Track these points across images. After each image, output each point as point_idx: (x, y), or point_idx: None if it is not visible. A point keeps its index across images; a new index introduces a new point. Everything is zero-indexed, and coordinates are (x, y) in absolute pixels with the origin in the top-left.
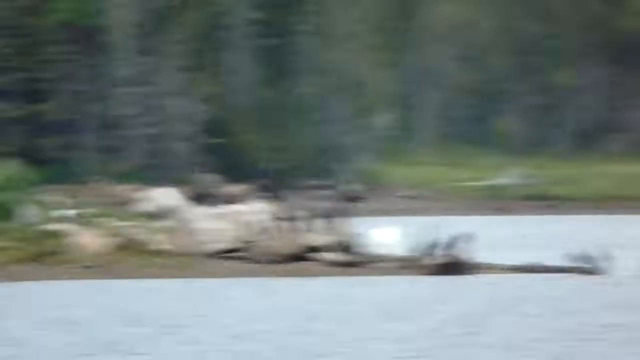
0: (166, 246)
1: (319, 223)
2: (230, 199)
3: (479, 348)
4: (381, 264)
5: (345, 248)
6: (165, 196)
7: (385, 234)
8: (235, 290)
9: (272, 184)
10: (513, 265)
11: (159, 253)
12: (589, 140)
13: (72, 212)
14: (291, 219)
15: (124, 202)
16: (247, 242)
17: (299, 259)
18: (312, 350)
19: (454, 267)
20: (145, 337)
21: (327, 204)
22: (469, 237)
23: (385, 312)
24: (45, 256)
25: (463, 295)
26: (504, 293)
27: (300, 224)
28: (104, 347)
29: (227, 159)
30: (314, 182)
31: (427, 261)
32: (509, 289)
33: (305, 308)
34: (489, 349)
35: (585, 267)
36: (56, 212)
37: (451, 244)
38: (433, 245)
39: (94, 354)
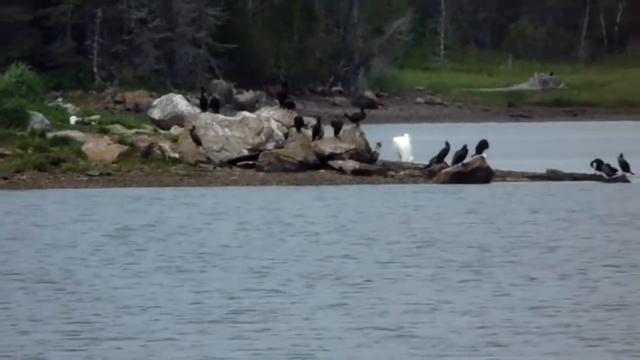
0: (176, 154)
1: (333, 130)
2: (242, 106)
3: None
4: (396, 173)
5: (359, 156)
6: (175, 103)
7: (401, 142)
8: (250, 197)
9: (285, 90)
10: (532, 173)
11: (168, 161)
12: (611, 45)
13: (80, 119)
14: (304, 126)
15: (134, 109)
16: (259, 150)
17: (312, 167)
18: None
19: (469, 175)
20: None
21: (341, 111)
22: (485, 144)
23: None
24: (53, 164)
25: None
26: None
27: (314, 132)
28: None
29: (238, 65)
30: (327, 88)
31: (441, 169)
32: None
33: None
34: None
35: (607, 175)
36: (64, 118)
37: (468, 151)
38: (446, 153)
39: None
